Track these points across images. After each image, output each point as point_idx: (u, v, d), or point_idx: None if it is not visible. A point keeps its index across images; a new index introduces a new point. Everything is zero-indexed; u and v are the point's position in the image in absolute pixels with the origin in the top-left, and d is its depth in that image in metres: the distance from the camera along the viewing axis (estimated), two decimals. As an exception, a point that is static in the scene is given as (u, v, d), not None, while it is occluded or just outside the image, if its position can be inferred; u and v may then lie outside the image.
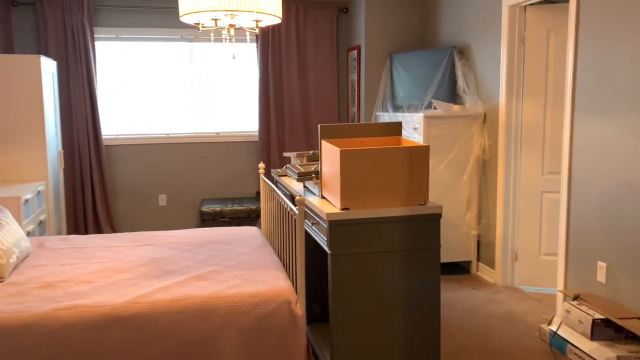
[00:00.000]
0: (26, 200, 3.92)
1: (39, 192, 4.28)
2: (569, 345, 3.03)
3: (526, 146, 4.07)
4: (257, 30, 3.04)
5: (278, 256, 3.12)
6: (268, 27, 5.62)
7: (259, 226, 5.04)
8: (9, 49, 5.15)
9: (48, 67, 4.68)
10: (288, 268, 2.86)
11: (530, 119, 4.03)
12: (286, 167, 3.52)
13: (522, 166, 4.08)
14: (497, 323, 3.50)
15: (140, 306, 2.29)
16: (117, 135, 5.66)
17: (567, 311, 3.14)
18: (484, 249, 4.45)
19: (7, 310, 2.25)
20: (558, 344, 3.13)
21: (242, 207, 5.46)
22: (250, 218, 5.46)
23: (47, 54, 5.22)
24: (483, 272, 4.43)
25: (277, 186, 3.61)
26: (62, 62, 5.28)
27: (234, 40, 3.08)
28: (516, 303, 3.84)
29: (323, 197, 2.81)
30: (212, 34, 3.02)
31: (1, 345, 2.17)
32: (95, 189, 5.43)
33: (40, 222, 4.27)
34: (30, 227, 3.95)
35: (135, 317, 2.26)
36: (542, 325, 3.27)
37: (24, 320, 2.20)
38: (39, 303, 2.32)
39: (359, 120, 5.55)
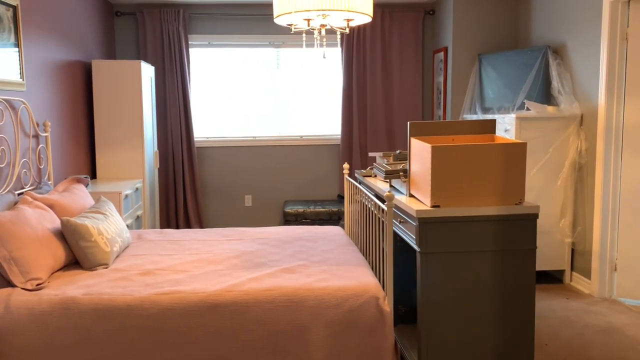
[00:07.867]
0: (126, 196, 4.17)
1: (136, 189, 4.55)
2: (679, 363, 2.80)
3: (628, 149, 3.81)
4: (347, 30, 3.07)
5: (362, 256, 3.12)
6: (353, 30, 5.66)
7: (342, 227, 5.06)
8: (111, 55, 5.53)
9: (147, 72, 4.97)
10: (374, 267, 2.85)
11: (633, 121, 3.78)
12: (372, 167, 3.52)
13: (624, 170, 3.83)
14: (595, 335, 3.29)
15: (234, 294, 2.37)
16: (207, 137, 5.91)
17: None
18: (578, 258, 4.20)
19: (113, 293, 2.40)
20: (665, 360, 2.89)
21: (324, 209, 5.51)
22: (332, 220, 5.50)
23: (145, 60, 5.55)
24: (577, 282, 4.19)
25: (361, 187, 3.61)
26: (159, 67, 5.59)
27: (324, 42, 3.14)
28: (615, 315, 3.59)
29: (411, 196, 2.78)
30: (303, 35, 3.09)
31: (107, 323, 2.32)
32: (187, 188, 5.69)
33: (137, 217, 4.52)
34: (128, 221, 4.20)
35: (228, 304, 2.34)
36: (646, 340, 3.05)
37: (127, 303, 2.34)
38: (140, 288, 2.46)
39: (444, 124, 5.44)
